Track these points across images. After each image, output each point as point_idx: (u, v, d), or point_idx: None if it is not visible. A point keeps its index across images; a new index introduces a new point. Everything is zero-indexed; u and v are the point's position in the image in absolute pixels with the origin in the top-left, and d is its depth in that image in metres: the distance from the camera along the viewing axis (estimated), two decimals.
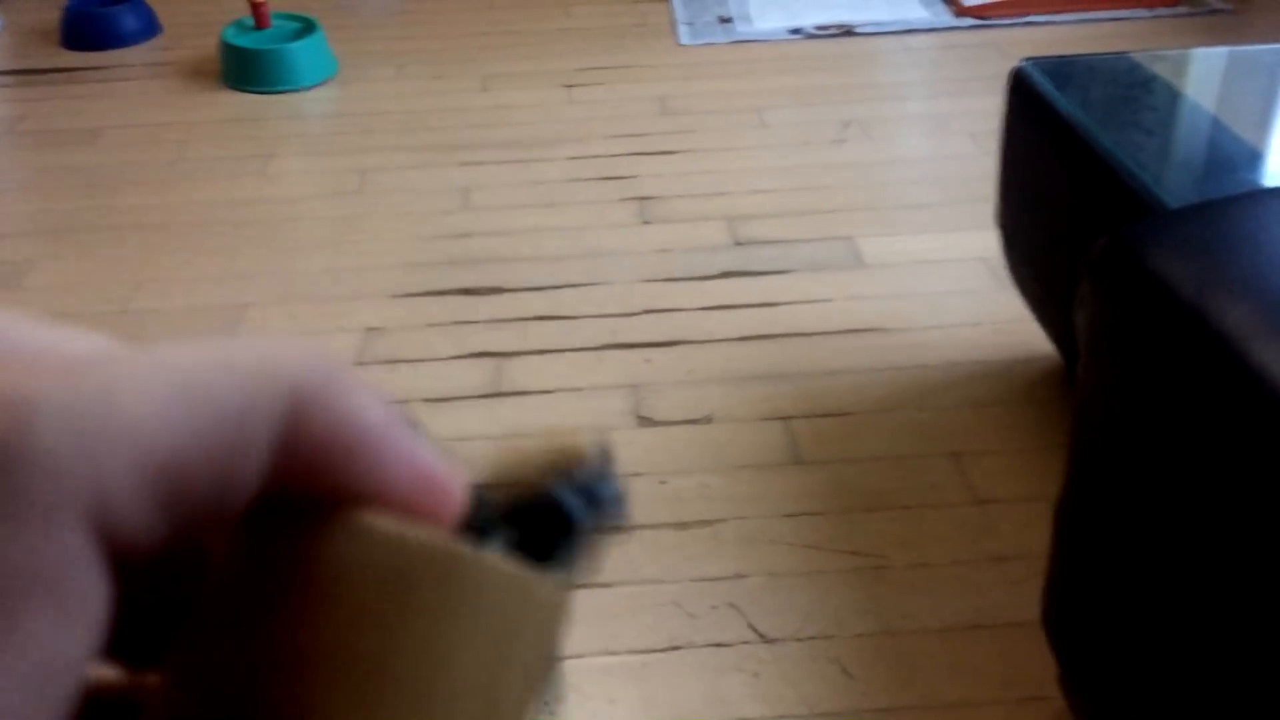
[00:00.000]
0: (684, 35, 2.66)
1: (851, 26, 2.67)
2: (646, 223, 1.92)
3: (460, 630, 0.18)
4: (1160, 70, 1.36)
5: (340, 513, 0.18)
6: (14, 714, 0.14)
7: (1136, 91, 1.31)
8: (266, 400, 0.16)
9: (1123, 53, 1.41)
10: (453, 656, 0.18)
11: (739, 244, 1.85)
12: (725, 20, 2.73)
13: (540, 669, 0.20)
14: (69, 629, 0.15)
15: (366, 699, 0.17)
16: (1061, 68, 1.31)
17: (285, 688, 0.17)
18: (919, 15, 2.71)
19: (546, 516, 0.21)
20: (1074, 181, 1.20)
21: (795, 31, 2.65)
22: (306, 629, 0.17)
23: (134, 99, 2.43)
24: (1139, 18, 2.66)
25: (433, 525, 0.19)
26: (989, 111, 2.24)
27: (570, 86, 2.43)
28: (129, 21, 2.70)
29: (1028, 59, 1.36)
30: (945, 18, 2.69)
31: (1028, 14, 2.67)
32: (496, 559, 0.19)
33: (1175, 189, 1.01)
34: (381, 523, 0.18)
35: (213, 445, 0.16)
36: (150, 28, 2.74)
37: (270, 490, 0.17)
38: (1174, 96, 1.32)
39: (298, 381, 0.17)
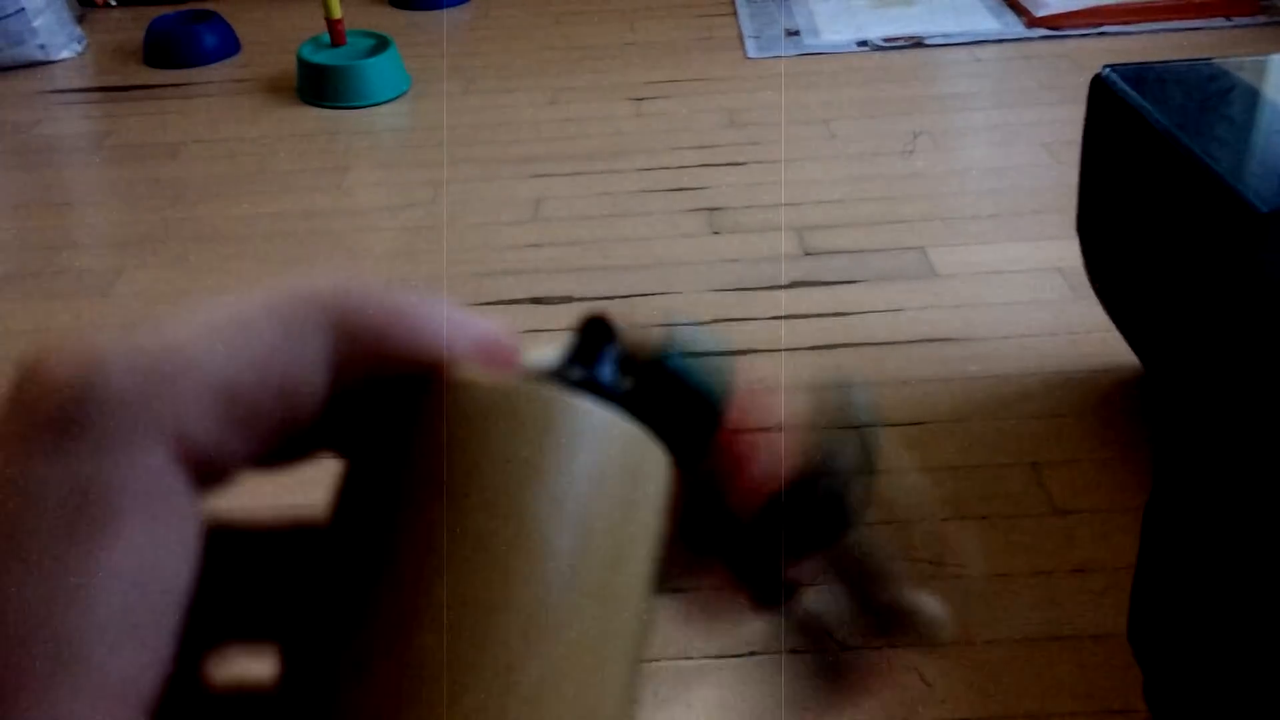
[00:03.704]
0: (751, 48, 2.67)
1: (920, 38, 2.66)
2: (716, 233, 1.93)
3: (579, 464, 0.19)
4: (1243, 76, 1.34)
5: (436, 378, 0.19)
6: (127, 610, 0.16)
7: (1219, 98, 1.29)
8: (305, 315, 0.19)
9: (1204, 59, 1.39)
10: (575, 489, 0.19)
11: (809, 254, 1.85)
12: (793, 33, 2.74)
13: (657, 522, 0.21)
14: (164, 536, 0.17)
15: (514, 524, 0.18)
16: (1143, 74, 1.30)
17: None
18: (989, 26, 2.69)
19: (670, 385, 0.22)
20: (1160, 187, 1.18)
21: (863, 44, 2.65)
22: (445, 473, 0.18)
23: (215, 114, 2.50)
24: (1215, 27, 2.62)
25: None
26: (1063, 121, 2.21)
27: (638, 100, 2.45)
28: (209, 40, 2.77)
29: (1109, 66, 1.34)
30: (1017, 29, 2.67)
31: (1102, 24, 2.64)
32: (593, 404, 0.20)
33: (1266, 194, 0.99)
34: (469, 374, 0.19)
35: (266, 366, 0.18)
36: (230, 46, 2.82)
37: (358, 384, 0.19)
38: (1258, 102, 1.30)
39: (333, 292, 0.19)
